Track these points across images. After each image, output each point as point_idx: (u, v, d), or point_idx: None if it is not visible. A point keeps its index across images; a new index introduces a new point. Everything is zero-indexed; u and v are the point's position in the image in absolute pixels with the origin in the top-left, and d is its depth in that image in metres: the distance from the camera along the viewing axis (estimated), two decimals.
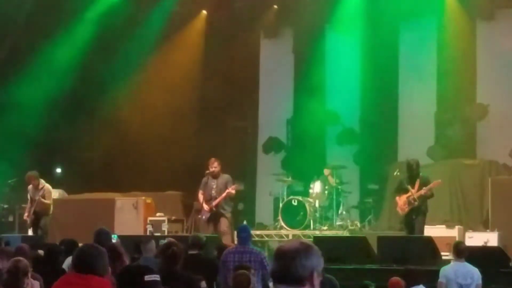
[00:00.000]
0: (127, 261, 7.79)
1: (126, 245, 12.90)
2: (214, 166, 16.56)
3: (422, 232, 15.40)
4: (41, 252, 11.37)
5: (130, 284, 4.69)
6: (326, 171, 19.51)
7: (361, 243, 14.95)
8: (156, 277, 5.14)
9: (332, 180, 19.27)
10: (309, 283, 3.97)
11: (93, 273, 5.11)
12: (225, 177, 16.66)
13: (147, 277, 5.05)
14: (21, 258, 7.45)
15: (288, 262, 3.95)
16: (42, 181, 17.50)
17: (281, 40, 22.93)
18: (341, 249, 14.61)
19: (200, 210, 17.34)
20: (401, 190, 15.67)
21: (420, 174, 15.73)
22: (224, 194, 16.40)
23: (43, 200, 17.28)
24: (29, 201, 17.59)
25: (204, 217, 16.69)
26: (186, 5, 22.17)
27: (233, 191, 16.51)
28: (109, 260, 7.53)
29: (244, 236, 10.91)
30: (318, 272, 4.01)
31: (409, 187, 15.56)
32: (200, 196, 16.76)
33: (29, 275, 7.10)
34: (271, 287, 4.15)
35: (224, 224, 16.40)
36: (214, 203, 16.41)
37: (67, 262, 10.53)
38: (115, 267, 7.52)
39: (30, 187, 17.52)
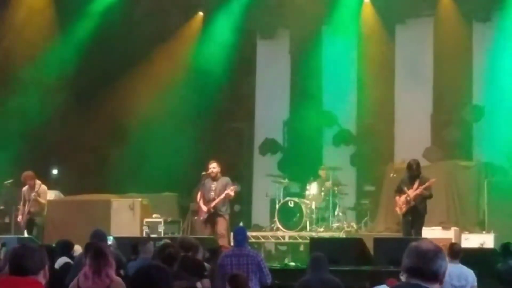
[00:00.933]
0: (112, 261, 7.82)
1: (123, 247, 12.95)
2: (213, 167, 16.56)
3: (420, 233, 15.38)
4: None
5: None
6: (322, 172, 19.52)
7: (358, 245, 14.95)
8: None
9: (326, 180, 19.26)
10: (439, 281, 4.50)
11: (25, 273, 5.07)
12: (225, 179, 16.67)
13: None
14: None
15: (428, 260, 4.46)
16: (38, 181, 17.45)
17: (278, 41, 22.91)
18: (338, 250, 14.61)
19: (197, 211, 17.33)
20: (401, 190, 15.69)
21: (421, 174, 15.75)
22: (222, 196, 16.39)
23: (38, 199, 17.21)
24: (22, 202, 17.50)
25: (201, 218, 16.69)
26: (183, 6, 22.16)
27: (232, 193, 16.51)
28: (94, 259, 7.61)
29: (240, 238, 10.88)
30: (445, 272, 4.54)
31: (405, 188, 15.59)
32: (199, 197, 16.76)
33: None
34: (402, 280, 4.48)
35: (221, 225, 16.39)
36: (212, 204, 16.40)
37: (59, 262, 10.55)
38: (100, 267, 7.61)
39: (25, 188, 17.45)
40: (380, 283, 9.90)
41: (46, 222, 17.83)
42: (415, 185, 15.49)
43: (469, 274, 10.97)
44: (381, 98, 21.13)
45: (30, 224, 17.28)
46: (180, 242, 10.74)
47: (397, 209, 15.79)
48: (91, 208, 19.02)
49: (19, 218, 17.53)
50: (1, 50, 20.54)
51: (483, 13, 20.36)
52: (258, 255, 10.91)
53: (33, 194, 17.13)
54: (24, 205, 17.38)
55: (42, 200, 17.33)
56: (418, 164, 15.80)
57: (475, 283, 10.97)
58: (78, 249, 12.23)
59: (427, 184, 15.49)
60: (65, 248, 11.43)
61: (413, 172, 15.66)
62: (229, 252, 10.92)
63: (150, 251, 10.80)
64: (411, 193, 15.42)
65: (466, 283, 10.89)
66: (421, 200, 15.53)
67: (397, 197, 15.77)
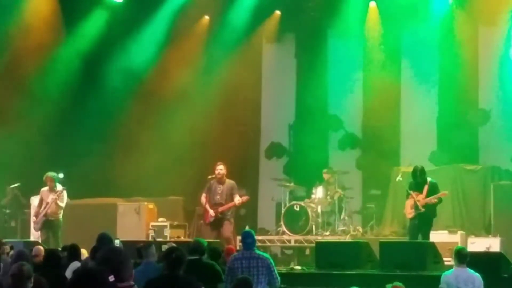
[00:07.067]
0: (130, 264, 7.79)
1: (129, 250, 12.95)
2: (220, 169, 16.62)
3: (428, 237, 15.40)
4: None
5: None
6: (327, 176, 19.50)
7: (363, 249, 14.94)
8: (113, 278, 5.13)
9: (332, 184, 19.26)
10: None
11: None
12: (231, 183, 16.75)
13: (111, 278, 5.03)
14: (24, 262, 7.49)
15: None
16: (59, 185, 17.27)
17: (283, 45, 22.93)
18: (343, 254, 14.62)
19: (202, 214, 17.35)
20: (408, 194, 15.77)
21: (429, 179, 15.77)
22: (231, 204, 16.55)
23: (58, 202, 17.08)
24: (39, 203, 17.26)
25: (207, 221, 16.73)
26: (188, 10, 22.16)
27: (239, 203, 16.69)
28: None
29: (249, 242, 10.86)
30: None
31: (411, 192, 15.63)
32: (203, 200, 16.80)
33: (32, 279, 7.11)
34: None
35: (227, 229, 16.49)
36: (220, 209, 16.52)
37: (71, 268, 10.53)
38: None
39: (45, 189, 17.17)
40: None
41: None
42: (425, 191, 15.55)
43: (476, 278, 10.96)
44: (387, 101, 21.12)
45: (46, 225, 17.04)
46: (193, 245, 10.76)
47: (405, 212, 15.89)
48: (97, 212, 19.06)
49: (34, 218, 17.35)
50: (9, 55, 20.53)
51: (489, 17, 20.33)
52: (268, 258, 10.90)
53: (54, 196, 16.97)
54: (40, 206, 17.19)
55: (60, 203, 17.15)
56: (422, 170, 15.83)
57: (482, 287, 10.96)
58: (84, 253, 12.26)
59: (439, 195, 15.60)
60: (75, 252, 11.42)
61: (417, 179, 15.73)
62: (239, 255, 10.92)
63: (153, 254, 10.79)
64: (421, 200, 15.47)
65: (473, 286, 10.88)
66: (431, 205, 15.58)
67: (407, 201, 15.86)
